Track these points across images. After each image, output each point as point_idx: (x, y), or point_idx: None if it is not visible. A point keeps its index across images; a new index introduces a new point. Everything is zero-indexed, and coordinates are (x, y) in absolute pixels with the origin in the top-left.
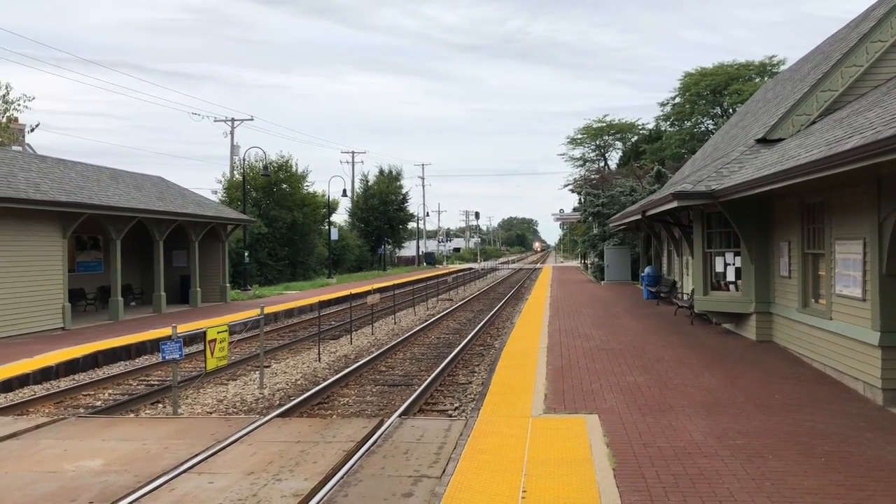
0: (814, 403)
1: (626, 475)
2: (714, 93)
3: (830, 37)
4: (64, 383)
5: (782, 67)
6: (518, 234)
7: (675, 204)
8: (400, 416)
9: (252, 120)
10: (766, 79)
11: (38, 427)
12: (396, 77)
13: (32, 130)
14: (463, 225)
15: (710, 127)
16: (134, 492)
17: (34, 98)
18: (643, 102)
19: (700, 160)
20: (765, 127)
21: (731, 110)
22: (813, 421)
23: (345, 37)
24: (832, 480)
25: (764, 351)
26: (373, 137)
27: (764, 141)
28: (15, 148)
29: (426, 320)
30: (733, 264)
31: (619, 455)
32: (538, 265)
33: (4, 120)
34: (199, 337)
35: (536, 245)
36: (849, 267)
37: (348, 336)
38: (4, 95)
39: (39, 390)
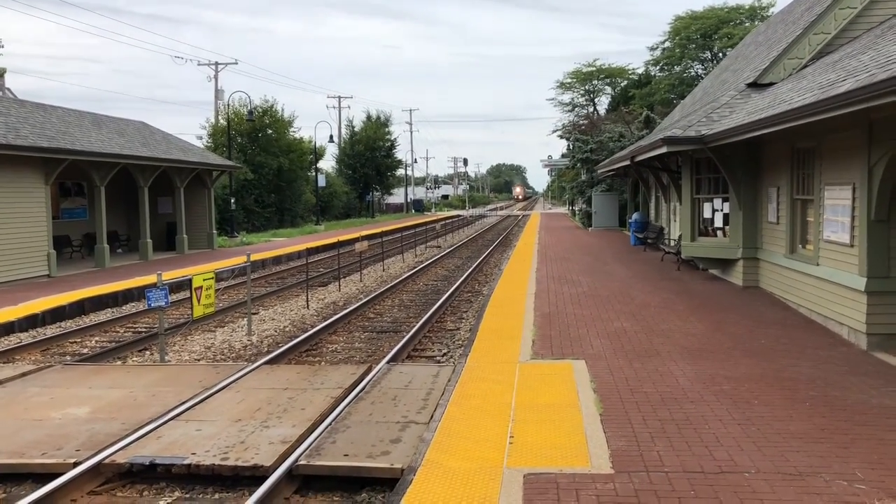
0: (799, 348)
1: (613, 420)
2: (704, 37)
3: None
4: (50, 331)
5: (772, 10)
6: (507, 181)
7: (664, 149)
8: (388, 362)
9: (236, 64)
10: (756, 23)
11: (24, 375)
12: (380, 20)
13: (3, 74)
14: (451, 172)
15: (700, 72)
16: (121, 439)
17: (2, 46)
18: (629, 47)
19: (689, 105)
20: (756, 71)
21: (721, 55)
22: (798, 366)
23: None
24: (816, 425)
25: (750, 296)
26: (359, 82)
27: (755, 85)
28: None
29: (414, 267)
30: (721, 210)
31: (606, 400)
32: (526, 212)
33: None
34: (185, 284)
35: (517, 190)
36: (837, 213)
37: (337, 283)
38: None
39: (25, 338)
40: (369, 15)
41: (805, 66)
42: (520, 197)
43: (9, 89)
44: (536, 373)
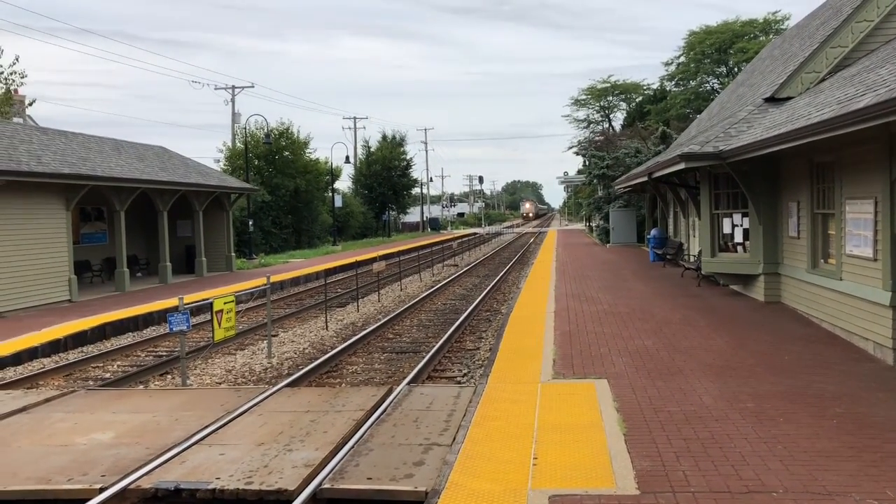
0: (824, 364)
1: (637, 440)
2: (719, 51)
3: None
4: (73, 356)
5: (787, 23)
6: (522, 198)
7: (682, 165)
8: (409, 383)
9: (253, 87)
10: (770, 37)
11: (48, 400)
12: (390, 42)
13: (31, 104)
14: (467, 189)
15: (716, 86)
16: (146, 464)
17: (26, 75)
18: (640, 62)
19: (706, 120)
20: (773, 85)
21: (736, 69)
22: (823, 382)
23: (334, 1)
24: (845, 442)
25: (772, 312)
26: (373, 102)
27: (772, 100)
28: (16, 120)
29: (432, 286)
30: (741, 225)
31: (630, 420)
32: (542, 229)
33: (3, 90)
34: (206, 307)
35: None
36: (859, 226)
37: (355, 303)
38: (11, 65)
39: (49, 363)
40: (379, 36)
41: (822, 80)
42: (530, 215)
43: (30, 116)
44: (558, 393)
